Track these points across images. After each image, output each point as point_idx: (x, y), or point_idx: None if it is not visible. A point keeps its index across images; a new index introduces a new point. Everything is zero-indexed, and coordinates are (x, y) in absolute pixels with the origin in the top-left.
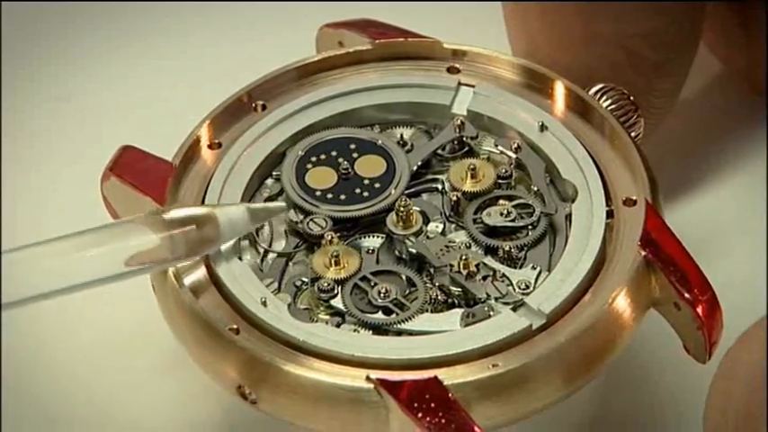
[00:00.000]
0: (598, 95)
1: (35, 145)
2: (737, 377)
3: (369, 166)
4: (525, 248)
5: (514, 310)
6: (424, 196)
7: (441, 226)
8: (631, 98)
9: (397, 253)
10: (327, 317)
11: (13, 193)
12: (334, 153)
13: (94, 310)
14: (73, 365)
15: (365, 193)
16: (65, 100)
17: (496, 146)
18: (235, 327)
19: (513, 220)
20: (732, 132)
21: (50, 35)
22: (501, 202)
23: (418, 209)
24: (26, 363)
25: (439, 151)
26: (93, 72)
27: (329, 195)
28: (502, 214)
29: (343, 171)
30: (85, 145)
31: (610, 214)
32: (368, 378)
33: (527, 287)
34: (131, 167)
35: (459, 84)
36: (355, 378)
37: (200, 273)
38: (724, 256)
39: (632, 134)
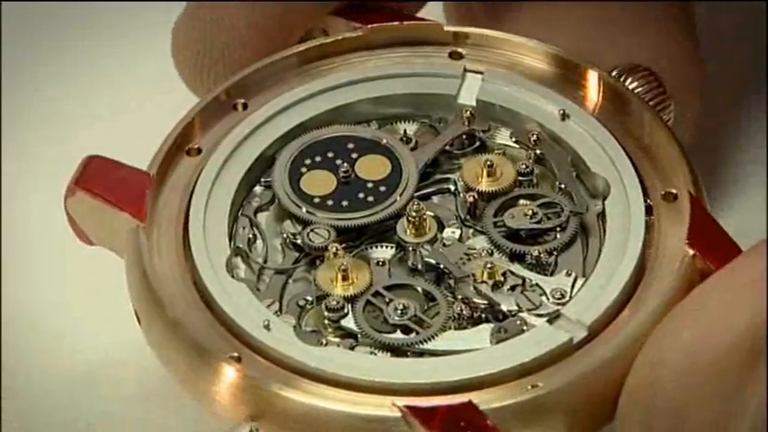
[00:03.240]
0: (622, 77)
1: None
2: (665, 365)
3: (371, 168)
4: (555, 253)
5: (550, 322)
6: (435, 199)
7: (457, 231)
8: (659, 80)
9: (410, 264)
10: (338, 339)
11: None
12: (330, 154)
13: (85, 336)
14: (60, 391)
15: (370, 198)
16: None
17: (512, 138)
18: (236, 355)
19: (539, 222)
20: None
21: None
22: (523, 201)
23: (431, 214)
24: (15, 387)
25: (447, 148)
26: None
27: (329, 202)
28: (526, 215)
29: (343, 174)
30: (45, 158)
31: (648, 211)
32: (394, 405)
33: (562, 296)
34: (101, 180)
35: (466, 70)
36: (378, 406)
37: (190, 296)
38: None
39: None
